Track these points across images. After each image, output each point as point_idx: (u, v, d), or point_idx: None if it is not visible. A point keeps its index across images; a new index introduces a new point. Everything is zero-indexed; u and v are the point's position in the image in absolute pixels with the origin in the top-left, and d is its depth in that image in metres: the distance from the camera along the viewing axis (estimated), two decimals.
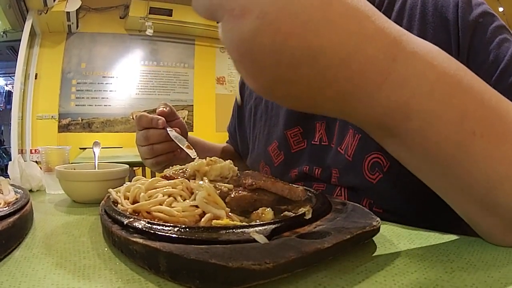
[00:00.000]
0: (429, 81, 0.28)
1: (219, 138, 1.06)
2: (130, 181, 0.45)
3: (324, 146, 0.60)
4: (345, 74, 0.26)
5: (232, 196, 0.38)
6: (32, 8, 3.43)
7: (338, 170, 0.56)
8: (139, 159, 0.76)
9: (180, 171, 0.44)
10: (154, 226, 0.31)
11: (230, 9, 0.26)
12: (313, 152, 0.61)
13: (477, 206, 0.32)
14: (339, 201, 0.41)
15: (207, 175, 0.42)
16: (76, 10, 3.55)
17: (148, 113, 0.71)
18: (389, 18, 0.28)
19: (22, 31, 3.50)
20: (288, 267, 0.24)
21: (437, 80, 0.28)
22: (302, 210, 0.36)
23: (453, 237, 0.35)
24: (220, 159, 0.44)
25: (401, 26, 0.29)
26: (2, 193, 0.44)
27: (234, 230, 0.30)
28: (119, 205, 0.38)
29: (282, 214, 0.37)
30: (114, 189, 0.43)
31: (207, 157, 0.44)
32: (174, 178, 0.41)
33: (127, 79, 4.03)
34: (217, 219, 0.33)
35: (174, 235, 0.29)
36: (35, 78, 3.69)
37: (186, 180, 0.40)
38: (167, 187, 0.38)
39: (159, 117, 0.68)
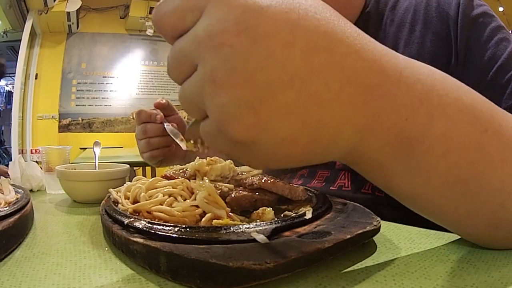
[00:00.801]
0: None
1: None
2: (130, 181, 0.45)
3: None
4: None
5: (233, 196, 0.38)
6: (32, 8, 3.43)
7: None
8: (139, 159, 0.76)
9: (180, 171, 0.44)
10: (155, 226, 0.31)
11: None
12: None
13: (484, 225, 0.29)
14: (340, 201, 0.41)
15: (207, 175, 0.42)
16: (76, 10, 3.56)
17: None
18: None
19: (22, 31, 3.51)
20: (289, 267, 0.24)
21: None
22: (302, 210, 0.36)
23: (453, 237, 0.35)
24: (221, 159, 0.44)
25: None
26: (3, 193, 0.44)
27: (234, 230, 0.30)
28: (119, 205, 0.38)
29: (282, 214, 0.37)
30: (115, 189, 0.43)
31: (208, 157, 0.44)
32: (174, 178, 0.41)
33: (127, 79, 4.04)
34: (217, 219, 0.33)
35: (174, 235, 0.29)
36: (35, 78, 3.70)
37: (187, 180, 0.40)
38: (168, 187, 0.39)
39: (158, 112, 0.69)
